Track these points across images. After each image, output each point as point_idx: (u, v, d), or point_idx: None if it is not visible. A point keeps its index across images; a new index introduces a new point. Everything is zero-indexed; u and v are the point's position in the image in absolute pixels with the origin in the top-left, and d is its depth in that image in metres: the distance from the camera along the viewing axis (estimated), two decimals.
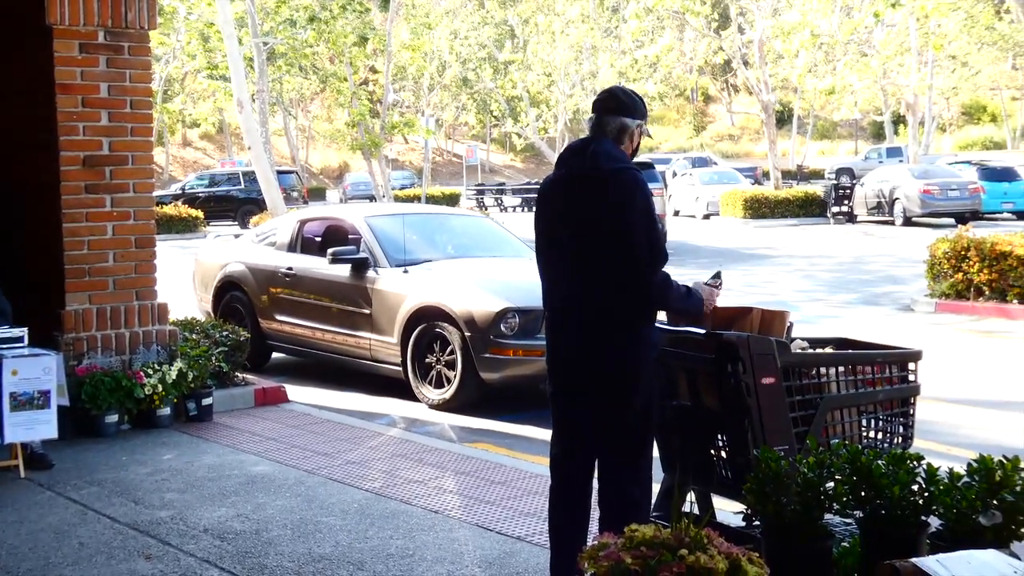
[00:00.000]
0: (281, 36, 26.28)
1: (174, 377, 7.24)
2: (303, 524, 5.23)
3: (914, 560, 3.27)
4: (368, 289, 8.92)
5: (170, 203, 31.55)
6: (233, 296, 10.24)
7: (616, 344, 3.95)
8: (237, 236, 13.46)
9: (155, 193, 7.92)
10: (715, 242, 25.65)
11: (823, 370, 4.42)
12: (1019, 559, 3.38)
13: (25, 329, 6.24)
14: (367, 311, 8.91)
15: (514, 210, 40.37)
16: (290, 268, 9.70)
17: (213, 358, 7.88)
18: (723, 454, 4.47)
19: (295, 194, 32.34)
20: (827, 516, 3.87)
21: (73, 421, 6.74)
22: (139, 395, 7.09)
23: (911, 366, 4.65)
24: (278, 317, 9.73)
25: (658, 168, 26.12)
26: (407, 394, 8.62)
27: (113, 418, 7.05)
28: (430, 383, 8.46)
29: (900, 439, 4.63)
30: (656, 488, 4.48)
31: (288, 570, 4.61)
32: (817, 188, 34.47)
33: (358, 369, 9.16)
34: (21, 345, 6.15)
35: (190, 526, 5.21)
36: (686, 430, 4.51)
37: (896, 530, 3.64)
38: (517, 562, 4.67)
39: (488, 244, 9.92)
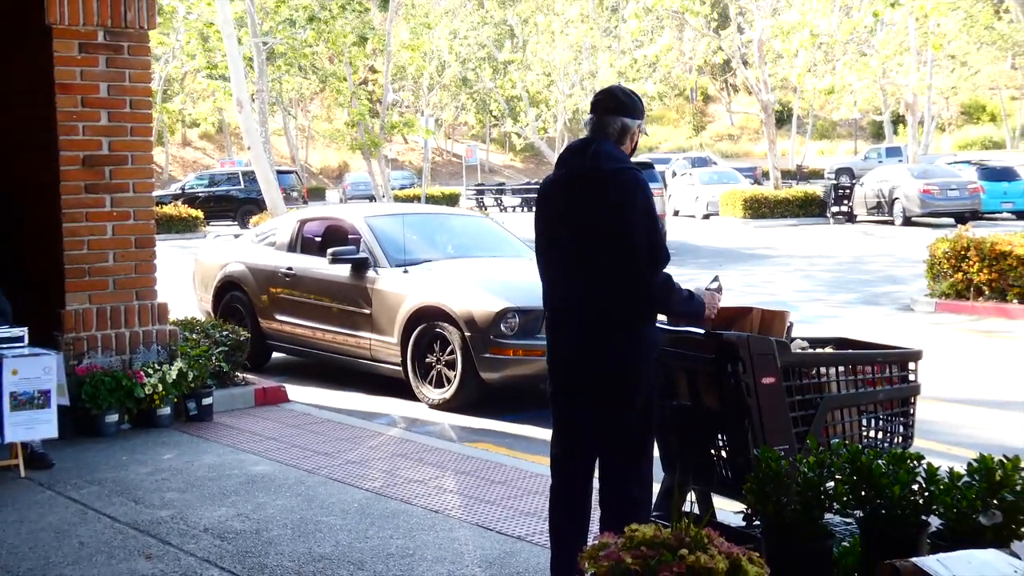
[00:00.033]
0: (281, 36, 26.27)
1: (174, 377, 7.24)
2: (303, 524, 5.23)
3: (914, 560, 3.27)
4: (368, 289, 8.92)
5: (170, 203, 31.56)
6: (233, 296, 10.24)
7: (616, 344, 3.95)
8: (237, 236, 13.46)
9: (155, 193, 7.92)
10: (715, 242, 25.65)
11: (823, 370, 4.42)
12: (1019, 559, 3.38)
13: (25, 329, 6.24)
14: (367, 311, 8.91)
15: (514, 210, 40.36)
16: (290, 268, 9.70)
17: (213, 358, 7.88)
18: (723, 454, 4.47)
19: (295, 194, 32.33)
20: (827, 516, 3.87)
21: (73, 421, 6.74)
22: (139, 395, 7.09)
23: (911, 366, 4.66)
24: (278, 317, 9.73)
25: (657, 168, 26.12)
26: (407, 394, 8.62)
27: (113, 418, 7.05)
28: (430, 383, 8.46)
29: (900, 439, 4.64)
30: (656, 488, 4.48)
31: (288, 570, 4.62)
32: (817, 188, 34.47)
33: (358, 369, 9.16)
34: (21, 345, 6.15)
35: (190, 525, 5.21)
36: (686, 430, 4.51)
37: (896, 530, 3.64)
38: (517, 562, 4.68)
39: (488, 244, 9.92)
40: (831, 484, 3.80)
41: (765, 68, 32.64)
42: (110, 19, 7.18)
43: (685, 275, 14.44)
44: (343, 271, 9.13)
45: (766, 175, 38.80)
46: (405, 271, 8.81)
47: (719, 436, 4.48)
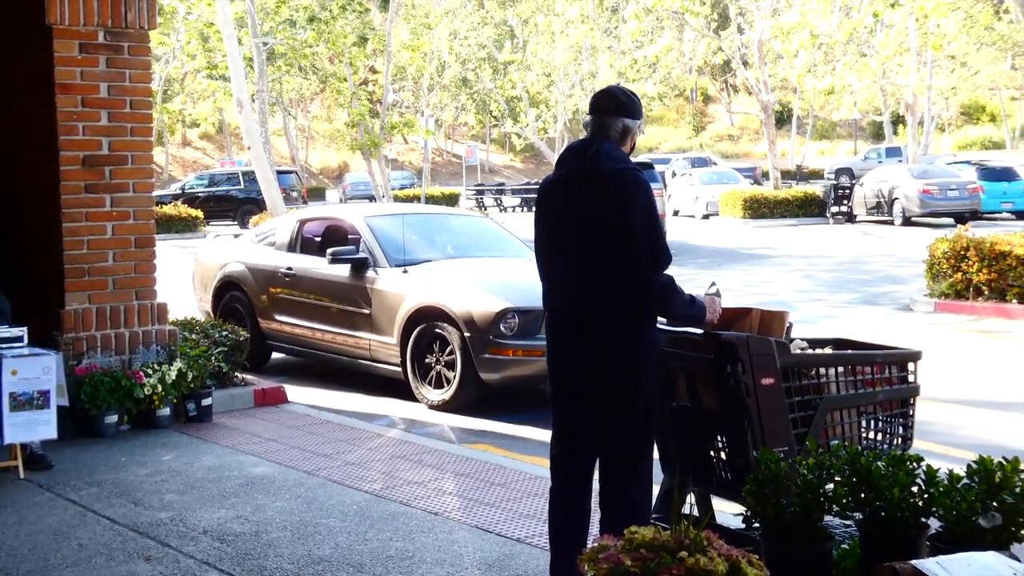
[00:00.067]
0: (281, 36, 26.28)
1: (174, 377, 7.24)
2: (303, 526, 5.23)
3: (914, 562, 3.27)
4: (368, 289, 8.92)
5: (170, 203, 31.54)
6: (233, 296, 10.24)
7: (617, 344, 3.95)
8: (237, 236, 13.46)
9: (155, 193, 7.91)
10: (714, 242, 25.66)
11: (822, 371, 4.42)
12: (1019, 561, 3.38)
13: (25, 329, 6.23)
14: (367, 311, 8.91)
15: (513, 210, 40.35)
16: (290, 268, 9.70)
17: (213, 358, 7.87)
18: (722, 455, 4.47)
19: (295, 194, 32.34)
20: (827, 518, 3.87)
21: (72, 421, 6.73)
22: (138, 395, 7.09)
23: (911, 366, 4.65)
24: (278, 317, 9.73)
25: (657, 168, 26.13)
26: (407, 394, 8.61)
27: (112, 418, 7.04)
28: (430, 383, 8.45)
29: (900, 440, 4.63)
30: (656, 489, 4.47)
31: (288, 572, 4.61)
32: (816, 188, 34.46)
33: (358, 369, 9.16)
34: (21, 345, 6.15)
35: (190, 527, 5.20)
36: (685, 431, 4.51)
37: (896, 532, 3.64)
38: (517, 564, 4.67)
39: (488, 244, 9.92)
40: (831, 486, 3.80)
41: (765, 68, 32.64)
42: (110, 19, 7.18)
43: (685, 275, 14.43)
44: (343, 271, 9.13)
45: (766, 175, 38.79)
46: (405, 271, 8.81)
47: (718, 437, 4.48)
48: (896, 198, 28.94)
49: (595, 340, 3.96)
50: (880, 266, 18.97)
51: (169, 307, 7.70)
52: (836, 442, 4.28)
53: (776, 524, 3.77)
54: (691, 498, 4.57)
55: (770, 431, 4.18)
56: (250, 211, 31.46)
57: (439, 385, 8.40)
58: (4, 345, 6.06)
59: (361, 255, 9.08)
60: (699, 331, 4.34)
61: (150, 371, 7.21)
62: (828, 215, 31.11)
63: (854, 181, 34.36)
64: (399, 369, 8.64)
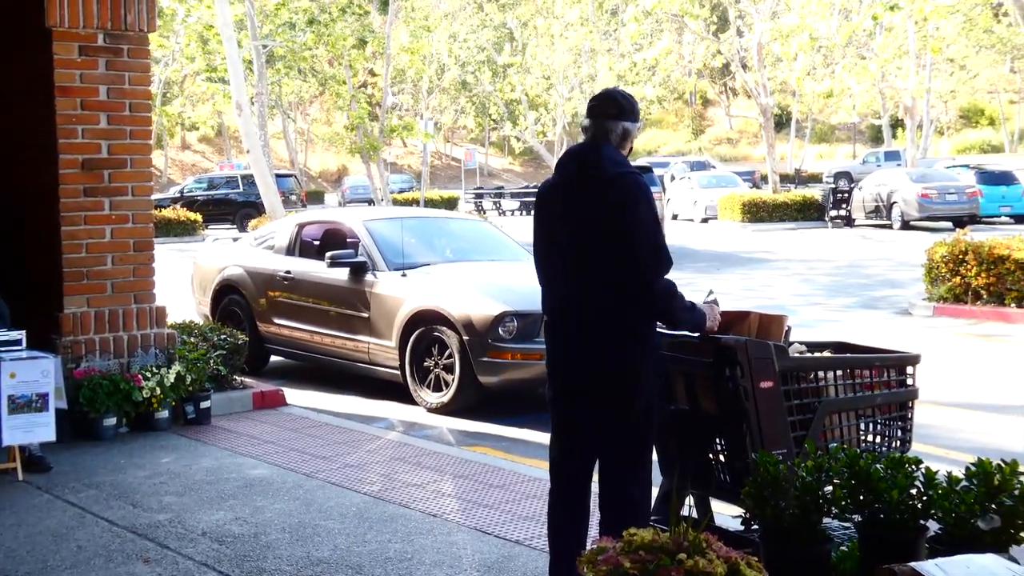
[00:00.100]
0: (280, 39, 26.31)
1: (172, 380, 7.23)
2: (301, 527, 5.22)
3: (913, 564, 3.27)
4: (366, 293, 8.92)
5: (168, 206, 31.56)
6: (231, 299, 10.23)
7: (616, 345, 3.95)
8: (235, 239, 13.45)
9: (154, 196, 7.91)
10: (713, 246, 25.67)
11: (821, 374, 4.42)
12: (1018, 563, 3.38)
13: (23, 332, 6.24)
14: (365, 315, 8.91)
15: (512, 214, 40.36)
16: (288, 272, 9.70)
17: (211, 361, 7.87)
18: (721, 458, 4.47)
19: (293, 197, 32.33)
20: (825, 520, 3.87)
21: (71, 424, 6.73)
22: (137, 398, 7.09)
23: (909, 370, 4.66)
24: (276, 320, 9.73)
25: (656, 172, 26.16)
26: (405, 398, 8.61)
27: (111, 421, 7.04)
28: (428, 387, 8.45)
29: (898, 443, 4.64)
30: (655, 491, 4.47)
31: (286, 573, 4.61)
32: (815, 192, 34.49)
33: (356, 372, 9.16)
34: (19, 348, 6.15)
35: (188, 529, 5.20)
36: (684, 434, 4.51)
37: (895, 534, 3.64)
38: (516, 566, 4.67)
39: (486, 248, 9.92)
40: (829, 488, 3.80)
41: (764, 72, 32.66)
42: (110, 22, 7.18)
43: (683, 279, 14.42)
44: (341, 275, 9.13)
45: (764, 179, 38.83)
46: (403, 275, 8.81)
47: (717, 440, 4.48)
48: (895, 202, 28.96)
49: (595, 340, 3.96)
50: (879, 270, 18.98)
51: (168, 310, 7.70)
52: (835, 445, 4.28)
53: (775, 526, 3.77)
54: (690, 500, 4.58)
55: (769, 434, 4.19)
56: (249, 214, 31.44)
57: (438, 388, 8.40)
58: (3, 348, 6.07)
59: (360, 259, 9.08)
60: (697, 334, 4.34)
61: (149, 374, 7.21)
62: (827, 219, 31.11)
63: (853, 185, 34.34)
64: (398, 372, 8.64)
